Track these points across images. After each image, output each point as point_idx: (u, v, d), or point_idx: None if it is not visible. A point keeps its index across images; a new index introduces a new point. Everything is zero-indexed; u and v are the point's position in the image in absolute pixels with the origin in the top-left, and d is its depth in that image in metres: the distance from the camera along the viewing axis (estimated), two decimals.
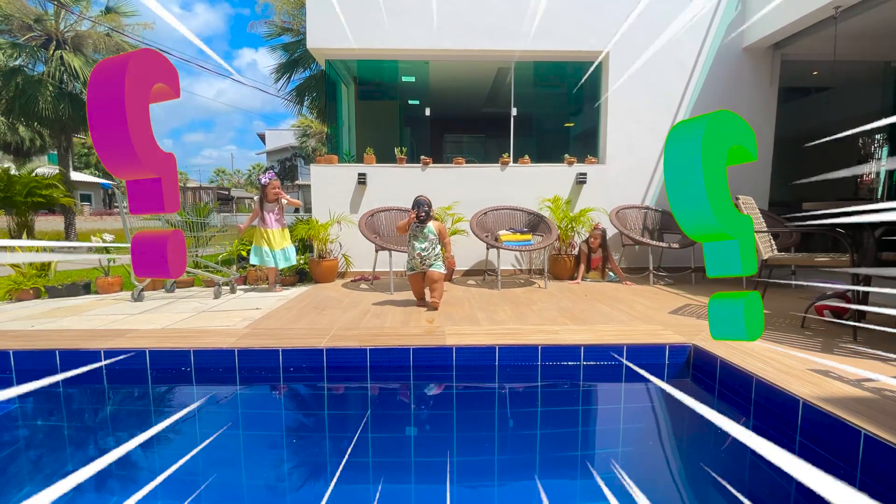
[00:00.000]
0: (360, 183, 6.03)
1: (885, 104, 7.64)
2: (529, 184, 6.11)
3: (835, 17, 4.85)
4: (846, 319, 3.37)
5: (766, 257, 3.45)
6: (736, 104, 6.11)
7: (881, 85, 7.41)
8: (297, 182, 35.21)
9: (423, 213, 4.08)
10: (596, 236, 5.56)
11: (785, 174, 7.50)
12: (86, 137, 31.93)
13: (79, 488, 1.78)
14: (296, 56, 11.95)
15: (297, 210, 4.96)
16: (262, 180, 4.95)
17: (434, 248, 4.14)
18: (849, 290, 3.26)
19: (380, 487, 1.80)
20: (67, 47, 13.65)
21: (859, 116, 8.27)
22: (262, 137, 40.35)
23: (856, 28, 5.18)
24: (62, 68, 13.19)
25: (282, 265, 4.99)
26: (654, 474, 1.92)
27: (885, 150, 9.49)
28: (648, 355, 2.88)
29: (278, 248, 4.93)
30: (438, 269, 4.12)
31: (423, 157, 6.11)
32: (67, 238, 14.07)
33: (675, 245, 5.37)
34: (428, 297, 4.16)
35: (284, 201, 5.05)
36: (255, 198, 5.07)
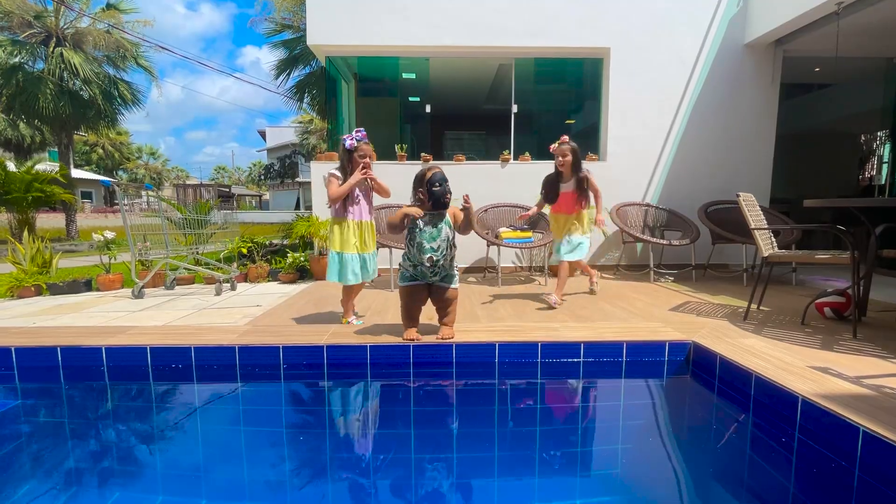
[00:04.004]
0: None
1: (887, 101, 7.61)
2: (530, 181, 6.07)
3: (837, 14, 4.83)
4: (846, 317, 3.37)
5: (766, 254, 3.45)
6: (737, 101, 6.10)
7: (883, 82, 7.38)
8: (297, 179, 35.22)
9: (449, 194, 2.83)
10: (563, 152, 4.08)
11: (786, 171, 7.48)
12: (87, 135, 31.94)
13: (81, 484, 1.80)
14: (296, 53, 11.94)
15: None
16: (347, 142, 3.26)
17: (450, 250, 2.91)
18: (849, 288, 3.26)
19: (380, 483, 1.81)
20: (67, 44, 13.63)
21: (861, 113, 8.25)
22: (263, 134, 40.35)
23: (858, 24, 5.16)
24: (62, 65, 13.18)
25: (370, 277, 3.45)
26: (654, 471, 1.93)
27: (887, 147, 9.47)
28: (648, 352, 2.89)
29: (368, 251, 3.39)
30: (453, 283, 2.95)
31: (423, 154, 6.11)
32: (68, 235, 14.09)
33: (676, 242, 5.37)
34: (429, 326, 3.08)
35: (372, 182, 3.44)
36: (334, 171, 3.29)
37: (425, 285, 2.94)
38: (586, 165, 6.11)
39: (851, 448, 1.74)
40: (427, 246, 2.82)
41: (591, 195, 4.27)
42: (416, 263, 2.88)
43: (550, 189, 4.23)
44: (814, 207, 3.20)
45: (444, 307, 2.94)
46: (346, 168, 3.29)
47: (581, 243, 4.17)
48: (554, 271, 5.82)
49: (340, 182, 3.27)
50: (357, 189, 3.30)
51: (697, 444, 2.18)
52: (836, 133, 9.24)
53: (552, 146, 4.20)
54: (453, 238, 2.91)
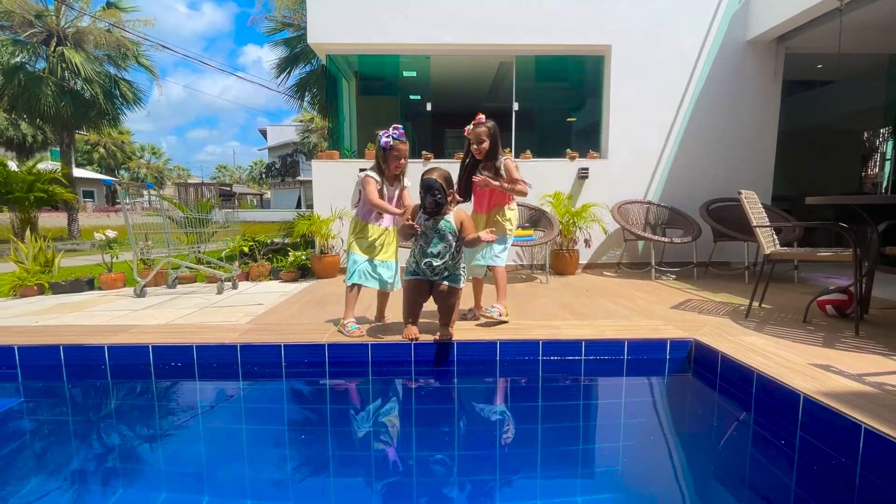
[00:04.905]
0: None
1: (889, 98, 7.59)
2: (531, 179, 6.04)
3: (840, 10, 4.81)
4: (848, 314, 3.37)
5: (768, 252, 3.44)
6: (739, 98, 6.08)
7: (886, 78, 7.36)
8: (298, 178, 35.25)
9: (432, 204, 2.74)
10: (479, 137, 3.26)
11: (788, 168, 7.47)
12: (88, 134, 31.99)
13: (84, 482, 1.81)
14: (297, 51, 11.94)
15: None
16: (383, 140, 3.04)
17: (454, 255, 2.86)
18: (851, 286, 3.25)
19: (382, 480, 1.81)
20: (68, 43, 13.64)
21: (864, 110, 8.22)
22: (264, 133, 40.39)
23: (861, 20, 5.13)
24: (63, 65, 13.19)
25: (396, 286, 3.25)
26: (656, 469, 1.93)
27: (890, 143, 9.44)
28: (650, 350, 2.89)
29: (387, 259, 3.20)
30: (456, 283, 2.88)
31: (424, 152, 6.10)
32: (70, 235, 14.12)
33: (678, 240, 5.36)
34: (431, 325, 2.99)
35: (408, 182, 3.24)
36: (367, 173, 3.11)
37: (428, 281, 2.89)
38: (588, 162, 6.13)
39: (853, 446, 1.74)
40: (427, 250, 2.81)
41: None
42: (419, 264, 2.88)
43: (465, 184, 3.41)
44: (816, 205, 3.19)
45: (444, 305, 2.87)
46: (382, 167, 3.10)
47: (505, 246, 3.39)
48: (555, 268, 5.81)
49: (379, 185, 3.08)
50: (387, 200, 3.14)
51: (699, 442, 2.18)
52: (838, 130, 9.22)
53: (466, 128, 3.37)
54: (458, 245, 2.85)
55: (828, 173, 9.23)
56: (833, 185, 9.04)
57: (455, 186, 3.18)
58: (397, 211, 3.09)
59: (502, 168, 3.29)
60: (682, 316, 3.53)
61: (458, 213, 2.86)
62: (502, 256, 3.36)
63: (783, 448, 1.97)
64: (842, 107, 8.35)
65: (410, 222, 2.79)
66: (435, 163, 6.00)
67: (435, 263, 2.80)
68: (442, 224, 2.80)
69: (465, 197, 3.44)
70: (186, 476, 1.88)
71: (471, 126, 3.32)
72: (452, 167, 3.38)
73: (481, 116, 3.30)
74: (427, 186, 2.72)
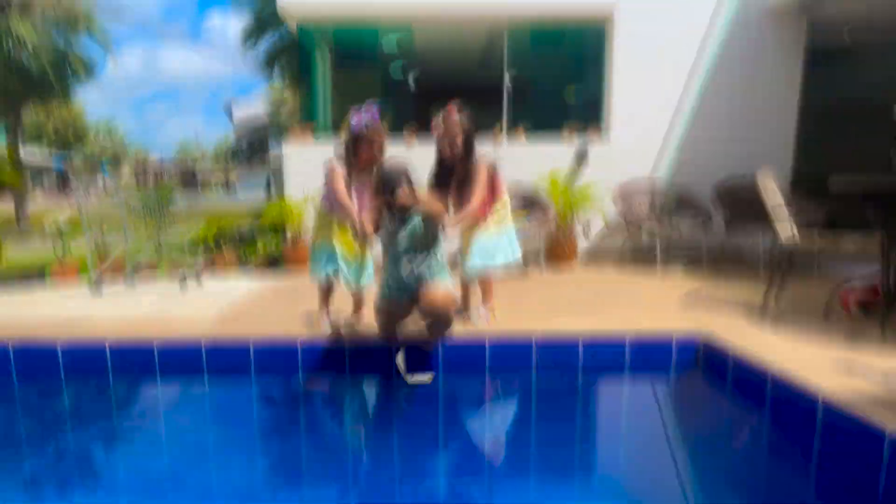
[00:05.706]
0: None
1: None
2: (524, 159, 6.00)
3: None
4: (874, 310, 3.36)
5: (785, 240, 3.42)
6: (757, 71, 6.03)
7: None
8: (267, 156, 34.90)
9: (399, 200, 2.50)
10: (451, 132, 2.94)
11: (810, 147, 7.46)
12: (38, 112, 31.38)
13: (37, 489, 1.78)
14: (265, 17, 11.76)
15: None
16: (354, 125, 2.81)
17: (433, 247, 2.63)
18: (877, 278, 3.24)
19: (363, 484, 1.79)
20: (12, 12, 13.30)
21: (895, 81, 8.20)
22: (230, 111, 39.83)
23: None
24: (9, 38, 12.90)
25: (362, 282, 3.15)
26: (659, 476, 1.92)
27: None
28: (653, 348, 2.87)
29: (355, 259, 3.10)
30: (443, 279, 2.65)
31: (406, 129, 5.99)
32: (18, 223, 13.89)
33: (686, 227, 5.35)
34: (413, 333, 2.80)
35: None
36: (336, 163, 2.91)
37: (407, 298, 2.66)
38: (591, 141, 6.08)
39: (877, 453, 1.72)
40: (401, 252, 2.59)
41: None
42: (396, 278, 2.65)
43: (457, 191, 3.06)
44: (841, 185, 3.15)
45: (436, 318, 2.64)
46: (351, 159, 2.86)
47: (494, 248, 3.10)
48: (551, 258, 5.79)
49: (346, 177, 2.87)
50: (354, 192, 2.91)
51: (708, 448, 2.17)
52: (866, 105, 9.18)
53: (434, 122, 3.06)
54: (427, 227, 2.58)
55: (854, 152, 9.22)
56: (860, 164, 9.04)
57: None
58: (356, 219, 2.78)
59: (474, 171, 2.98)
60: (690, 310, 3.53)
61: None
62: (498, 256, 3.11)
63: (799, 456, 1.96)
64: (870, 78, 8.31)
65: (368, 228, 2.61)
66: (419, 144, 5.89)
67: (414, 263, 2.59)
68: (414, 221, 2.56)
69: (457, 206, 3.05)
70: (146, 481, 1.86)
71: (439, 119, 2.98)
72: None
73: (452, 108, 2.98)
74: (387, 179, 2.49)
